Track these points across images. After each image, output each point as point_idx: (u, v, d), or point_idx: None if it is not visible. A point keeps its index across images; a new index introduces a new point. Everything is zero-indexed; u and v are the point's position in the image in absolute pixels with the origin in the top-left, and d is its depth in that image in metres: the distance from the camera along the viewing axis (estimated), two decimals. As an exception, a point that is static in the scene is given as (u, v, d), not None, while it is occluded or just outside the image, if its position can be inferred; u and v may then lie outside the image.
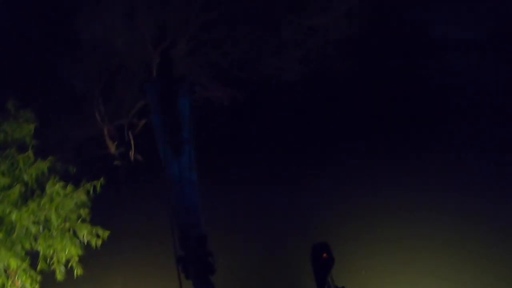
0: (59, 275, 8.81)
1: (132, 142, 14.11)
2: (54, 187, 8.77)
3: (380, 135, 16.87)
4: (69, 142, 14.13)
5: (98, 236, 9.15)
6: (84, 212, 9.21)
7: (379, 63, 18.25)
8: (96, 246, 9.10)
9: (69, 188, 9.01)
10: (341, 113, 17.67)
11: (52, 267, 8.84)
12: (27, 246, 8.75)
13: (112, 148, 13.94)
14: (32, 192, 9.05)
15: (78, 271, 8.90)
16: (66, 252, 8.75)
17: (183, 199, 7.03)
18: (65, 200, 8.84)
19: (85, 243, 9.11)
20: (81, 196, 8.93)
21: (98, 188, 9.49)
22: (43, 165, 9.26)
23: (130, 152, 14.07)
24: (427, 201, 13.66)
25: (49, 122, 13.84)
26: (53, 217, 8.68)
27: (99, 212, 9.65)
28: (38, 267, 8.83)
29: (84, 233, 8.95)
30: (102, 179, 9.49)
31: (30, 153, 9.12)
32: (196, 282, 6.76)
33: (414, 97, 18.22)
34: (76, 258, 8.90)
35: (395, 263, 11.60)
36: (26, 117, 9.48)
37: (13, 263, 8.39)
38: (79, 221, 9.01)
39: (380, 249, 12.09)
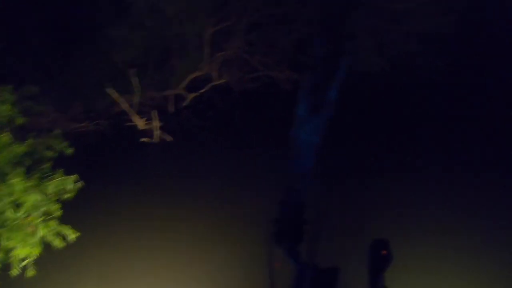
0: (14, 270, 8.18)
1: (156, 121, 12.93)
2: (14, 179, 7.95)
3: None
4: (102, 113, 13.44)
5: (63, 237, 8.38)
6: (54, 208, 8.42)
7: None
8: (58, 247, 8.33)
9: (32, 181, 8.18)
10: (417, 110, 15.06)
11: (10, 260, 8.23)
12: (-13, 234, 8.18)
13: (140, 123, 12.92)
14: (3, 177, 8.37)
15: (30, 272, 8.17)
16: (20, 250, 8.01)
17: (301, 160, 6.48)
18: (27, 195, 8.03)
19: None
20: (37, 194, 8.04)
21: (70, 185, 8.61)
22: (18, 149, 8.56)
23: (155, 131, 12.93)
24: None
25: (83, 91, 13.27)
26: (8, 212, 7.93)
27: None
28: (-4, 258, 8.27)
29: (45, 233, 8.14)
30: (75, 175, 8.63)
31: (5, 135, 8.40)
32: (285, 246, 6.11)
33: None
34: (31, 258, 8.16)
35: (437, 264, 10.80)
36: (4, 98, 8.68)
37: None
38: (42, 218, 8.19)
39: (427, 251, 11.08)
